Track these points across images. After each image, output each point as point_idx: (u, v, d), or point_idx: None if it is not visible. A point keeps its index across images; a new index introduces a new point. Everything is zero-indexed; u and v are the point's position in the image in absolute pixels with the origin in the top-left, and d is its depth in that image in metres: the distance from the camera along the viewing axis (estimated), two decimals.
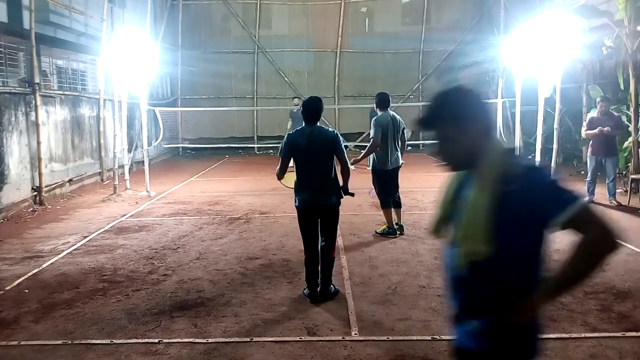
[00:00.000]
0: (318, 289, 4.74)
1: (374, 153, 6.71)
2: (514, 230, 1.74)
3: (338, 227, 4.97)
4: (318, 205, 4.70)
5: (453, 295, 1.91)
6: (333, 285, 4.84)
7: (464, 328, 1.88)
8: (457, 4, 19.40)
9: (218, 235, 7.08)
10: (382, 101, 6.80)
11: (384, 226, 6.85)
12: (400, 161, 6.86)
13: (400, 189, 7.01)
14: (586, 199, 8.67)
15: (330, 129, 4.87)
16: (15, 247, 6.65)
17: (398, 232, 6.79)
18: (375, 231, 6.94)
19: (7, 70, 9.43)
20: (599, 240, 1.68)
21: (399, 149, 6.80)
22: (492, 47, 14.52)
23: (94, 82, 13.10)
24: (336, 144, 4.66)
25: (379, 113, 6.80)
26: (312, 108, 4.70)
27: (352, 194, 4.84)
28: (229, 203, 9.32)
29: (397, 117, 6.85)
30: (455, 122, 1.83)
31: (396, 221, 6.87)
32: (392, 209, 6.82)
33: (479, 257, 1.76)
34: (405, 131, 6.99)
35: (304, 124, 4.75)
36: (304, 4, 19.18)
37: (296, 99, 15.10)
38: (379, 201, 6.93)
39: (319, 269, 4.74)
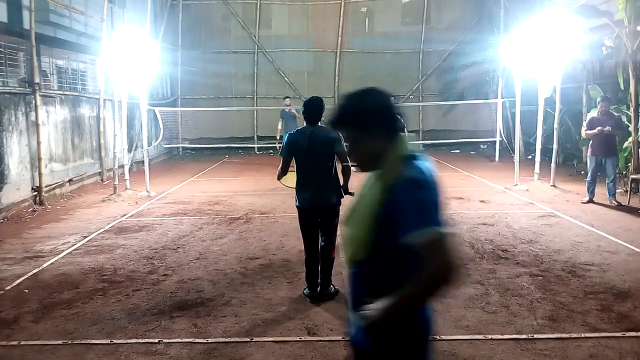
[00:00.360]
0: (318, 289, 4.75)
1: None
2: (386, 239, 1.77)
3: (338, 227, 4.97)
4: (318, 204, 4.70)
5: (347, 290, 2.00)
6: (333, 285, 4.84)
7: (353, 322, 1.95)
8: (457, 4, 19.41)
9: (218, 235, 7.08)
10: None
11: None
12: None
13: None
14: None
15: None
16: (15, 247, 6.65)
17: None
18: None
19: (7, 70, 9.43)
20: (434, 275, 1.69)
21: None
22: (492, 47, 14.52)
23: (94, 82, 13.10)
24: (337, 143, 4.66)
25: None
26: (313, 108, 4.70)
27: (352, 194, 4.84)
28: (229, 203, 9.32)
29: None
30: (358, 124, 1.86)
31: None
32: None
33: (359, 258, 1.85)
34: (405, 130, 6.99)
35: (298, 124, 4.76)
36: (304, 4, 19.19)
37: (287, 99, 15.14)
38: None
39: (319, 268, 4.75)
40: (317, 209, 4.71)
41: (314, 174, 4.68)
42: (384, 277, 1.82)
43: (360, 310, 1.81)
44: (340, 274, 5.30)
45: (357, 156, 1.92)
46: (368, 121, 1.85)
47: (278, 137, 15.43)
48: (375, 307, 1.76)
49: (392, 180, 1.77)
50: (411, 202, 1.71)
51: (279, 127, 14.55)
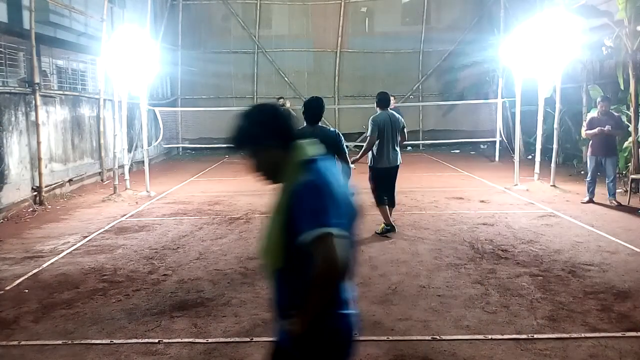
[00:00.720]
0: None
1: (371, 151, 6.78)
2: (295, 245, 1.80)
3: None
4: None
5: (271, 296, 2.05)
6: None
7: (278, 326, 2.01)
8: (457, 4, 19.41)
9: (218, 235, 7.08)
10: (382, 101, 6.93)
11: (382, 225, 6.86)
12: (399, 160, 6.88)
13: (399, 189, 7.01)
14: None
15: (332, 129, 4.89)
16: (15, 247, 6.65)
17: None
18: (375, 231, 6.94)
19: (7, 70, 9.43)
20: (320, 273, 1.74)
21: (397, 148, 6.83)
22: (492, 47, 14.52)
23: (94, 82, 13.10)
24: (338, 143, 4.67)
25: (378, 112, 6.88)
26: (313, 108, 4.72)
27: (352, 193, 4.84)
28: (229, 203, 9.32)
29: (397, 115, 6.93)
30: (252, 141, 1.96)
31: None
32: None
33: (277, 266, 1.90)
34: (405, 130, 7.05)
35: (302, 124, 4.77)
36: (304, 4, 19.19)
37: (281, 99, 15.16)
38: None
39: None
40: None
41: None
42: (303, 283, 1.82)
43: (284, 322, 1.90)
44: None
45: (261, 170, 2.01)
46: (260, 137, 1.95)
47: None
48: (296, 318, 1.83)
49: (291, 186, 1.86)
50: (305, 205, 1.79)
51: None
